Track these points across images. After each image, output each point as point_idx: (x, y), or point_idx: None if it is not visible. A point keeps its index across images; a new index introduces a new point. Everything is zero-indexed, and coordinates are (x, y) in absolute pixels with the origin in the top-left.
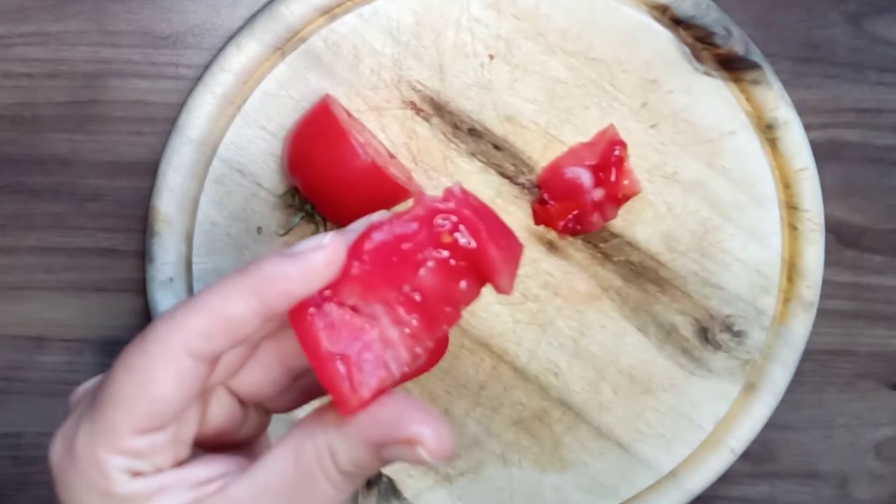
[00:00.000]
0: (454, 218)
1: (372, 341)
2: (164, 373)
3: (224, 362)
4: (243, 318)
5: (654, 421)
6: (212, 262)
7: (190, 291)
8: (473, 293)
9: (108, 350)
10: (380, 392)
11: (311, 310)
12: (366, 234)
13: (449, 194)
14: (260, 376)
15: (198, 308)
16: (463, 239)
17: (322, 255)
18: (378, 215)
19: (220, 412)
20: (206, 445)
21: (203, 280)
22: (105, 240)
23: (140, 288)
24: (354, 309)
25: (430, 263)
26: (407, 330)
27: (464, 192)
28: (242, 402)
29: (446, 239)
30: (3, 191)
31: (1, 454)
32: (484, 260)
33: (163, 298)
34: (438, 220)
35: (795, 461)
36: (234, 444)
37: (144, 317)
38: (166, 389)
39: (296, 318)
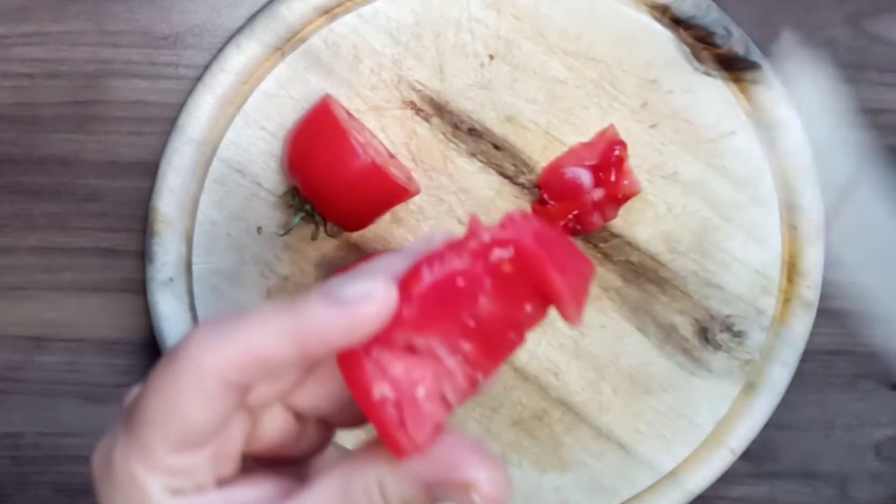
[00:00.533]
0: (513, 249)
1: (428, 377)
2: (194, 396)
3: (276, 384)
4: (280, 360)
5: (653, 421)
6: (212, 262)
7: (190, 291)
8: (539, 316)
9: (108, 350)
10: (436, 431)
11: (360, 354)
12: (418, 272)
13: (508, 221)
14: (318, 393)
15: (233, 338)
16: (525, 270)
17: (371, 306)
18: (433, 238)
19: (274, 428)
20: (262, 460)
21: (203, 280)
22: (105, 240)
23: (140, 288)
24: (408, 346)
25: (489, 292)
26: (466, 357)
27: (524, 217)
28: (301, 417)
29: (506, 269)
30: (3, 191)
31: (1, 454)
32: (549, 291)
33: (163, 298)
34: (496, 252)
35: (795, 461)
36: (293, 458)
37: (144, 317)
38: (197, 412)
39: (344, 362)
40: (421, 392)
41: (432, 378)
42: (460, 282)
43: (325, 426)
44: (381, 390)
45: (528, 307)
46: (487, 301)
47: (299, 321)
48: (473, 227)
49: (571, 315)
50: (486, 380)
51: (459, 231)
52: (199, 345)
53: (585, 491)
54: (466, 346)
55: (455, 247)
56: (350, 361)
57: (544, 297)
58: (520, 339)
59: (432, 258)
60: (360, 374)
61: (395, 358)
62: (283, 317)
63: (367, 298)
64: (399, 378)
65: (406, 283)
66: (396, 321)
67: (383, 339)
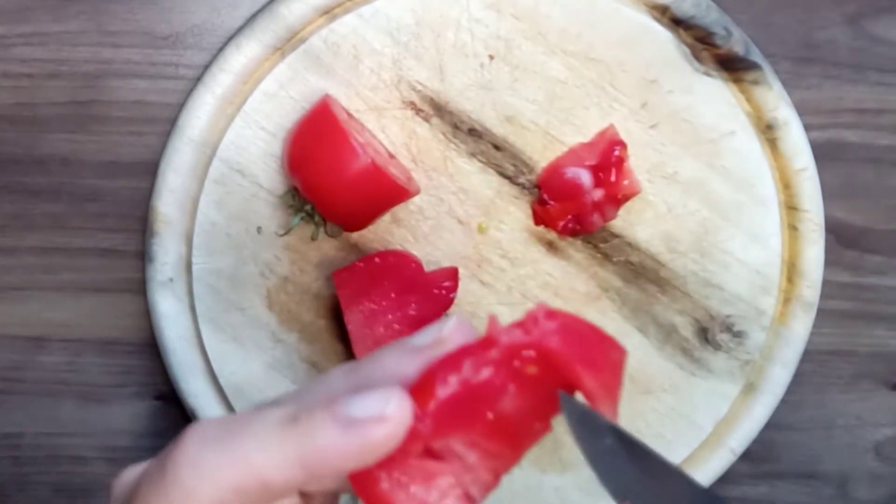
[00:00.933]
0: (537, 353)
1: (448, 480)
2: None
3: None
4: (285, 483)
5: (654, 421)
6: (212, 262)
7: (190, 291)
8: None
9: (108, 350)
10: None
11: (375, 473)
12: (432, 382)
13: (530, 321)
14: (328, 483)
15: (231, 460)
16: (551, 370)
17: (384, 428)
18: (448, 328)
19: None
20: None
21: (203, 280)
22: (105, 240)
23: (140, 288)
24: (427, 451)
25: (511, 393)
26: (488, 452)
27: (547, 314)
28: (308, 496)
29: (531, 371)
30: (3, 191)
31: (1, 454)
32: (580, 389)
33: (163, 298)
34: (520, 357)
35: (795, 461)
36: None
37: (144, 317)
38: None
39: (357, 481)
40: (444, 498)
41: (453, 480)
42: (477, 391)
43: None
44: (400, 502)
45: (554, 398)
46: (509, 400)
47: (306, 445)
48: (492, 331)
49: (607, 411)
50: (510, 468)
51: (459, 232)
52: (192, 466)
53: (585, 491)
54: (489, 443)
55: (471, 352)
56: (364, 480)
57: (572, 390)
58: (546, 427)
59: (446, 366)
60: (376, 494)
61: (412, 468)
62: (287, 437)
63: (381, 419)
64: (418, 488)
65: (420, 395)
66: (412, 434)
67: (398, 454)
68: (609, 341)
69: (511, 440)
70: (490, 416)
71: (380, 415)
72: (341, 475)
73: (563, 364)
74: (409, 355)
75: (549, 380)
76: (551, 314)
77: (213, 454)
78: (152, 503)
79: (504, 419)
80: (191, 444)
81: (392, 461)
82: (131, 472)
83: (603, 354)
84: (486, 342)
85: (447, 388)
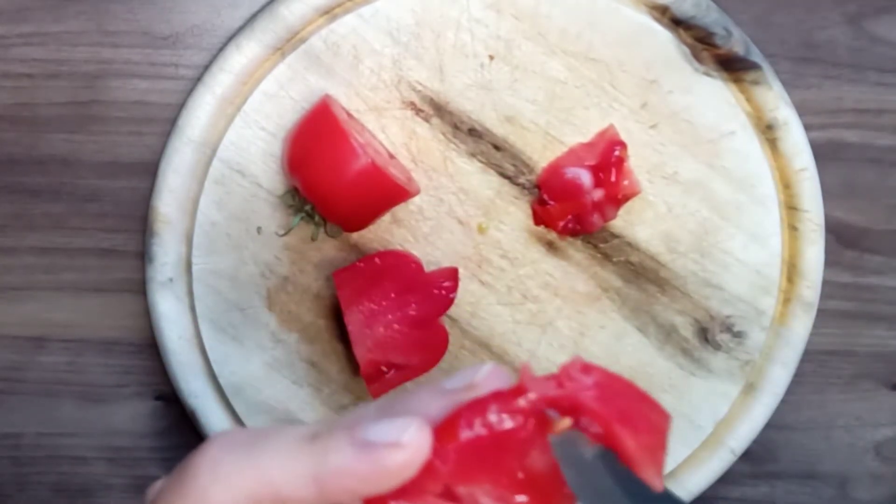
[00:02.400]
0: (571, 408)
1: None
2: None
3: None
4: (299, 499)
5: None
6: (212, 262)
7: (190, 292)
8: None
9: (108, 350)
10: None
11: (388, 501)
12: (456, 423)
13: (565, 376)
14: None
15: (250, 469)
16: (590, 429)
17: (401, 455)
18: (482, 373)
19: None
20: None
21: (203, 280)
22: (105, 240)
23: (140, 288)
24: (447, 493)
25: (541, 448)
26: None
27: (584, 368)
28: None
29: (564, 425)
30: (3, 191)
31: (1, 454)
32: (619, 450)
33: (163, 298)
34: (552, 412)
35: (795, 461)
36: None
37: (144, 317)
38: None
39: None
40: None
41: None
42: (504, 440)
43: None
44: None
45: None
46: (539, 458)
47: (321, 462)
48: (524, 381)
49: (650, 479)
50: None
51: (459, 232)
52: (212, 470)
53: None
54: (517, 499)
55: (501, 399)
56: None
57: (608, 443)
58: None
59: (473, 409)
60: None
61: None
62: (305, 453)
63: (397, 446)
64: None
65: (442, 434)
66: (430, 471)
67: (415, 486)
68: (650, 401)
69: (541, 499)
70: (517, 471)
71: (396, 441)
72: (355, 499)
73: (599, 422)
74: (439, 397)
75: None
76: (588, 368)
77: (233, 461)
78: (171, 502)
79: (533, 477)
80: (213, 450)
81: (408, 494)
82: (163, 481)
83: (643, 415)
84: (517, 391)
85: (471, 430)
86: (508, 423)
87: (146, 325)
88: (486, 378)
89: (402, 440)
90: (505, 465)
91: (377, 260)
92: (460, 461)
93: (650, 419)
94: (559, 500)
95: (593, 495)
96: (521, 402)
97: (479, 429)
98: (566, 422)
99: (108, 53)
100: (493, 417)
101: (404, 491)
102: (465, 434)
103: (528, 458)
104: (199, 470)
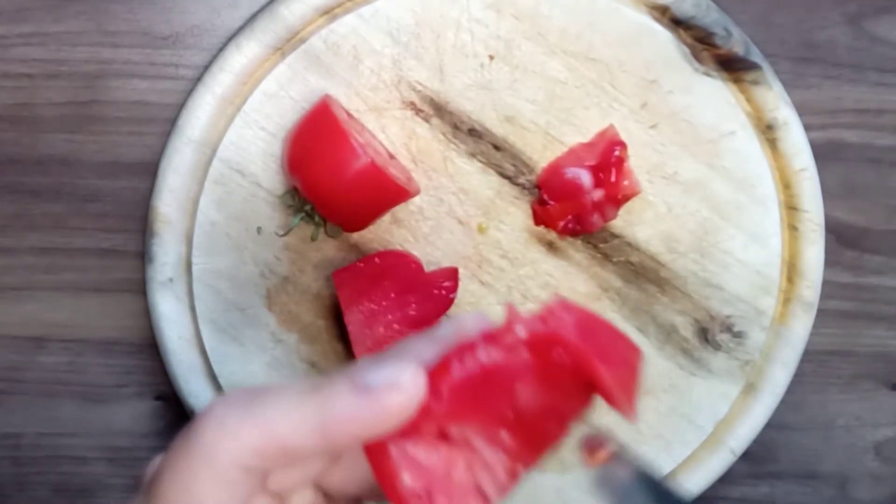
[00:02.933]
0: (554, 343)
1: (463, 470)
2: (210, 484)
3: (300, 470)
4: (303, 448)
5: (653, 422)
6: (212, 262)
7: (190, 292)
8: (583, 407)
9: (108, 350)
10: None
11: (388, 445)
12: (448, 364)
13: (547, 313)
14: (348, 476)
15: (254, 422)
16: (567, 364)
17: (398, 396)
18: (465, 322)
19: None
20: None
21: (203, 280)
22: (105, 240)
23: (140, 288)
24: (442, 435)
25: (527, 385)
26: (505, 449)
27: (565, 307)
28: (331, 496)
29: (547, 363)
30: (3, 191)
31: (1, 454)
32: (596, 386)
33: (163, 298)
34: (536, 347)
35: (795, 461)
36: None
37: (144, 317)
38: (213, 497)
39: (371, 453)
40: (456, 486)
41: (467, 468)
42: (494, 376)
43: (357, 501)
44: (410, 482)
45: (571, 399)
46: (526, 394)
47: (325, 410)
48: (510, 320)
49: (624, 409)
50: (528, 472)
51: (459, 232)
52: (217, 426)
53: (585, 491)
54: (505, 438)
55: (490, 339)
56: (378, 453)
57: (589, 388)
58: (563, 430)
59: (464, 350)
60: (388, 466)
61: (427, 448)
62: (308, 403)
63: (395, 388)
64: (430, 469)
65: (436, 374)
66: (426, 412)
67: (413, 429)
68: (625, 340)
69: (528, 438)
70: (506, 409)
71: (394, 383)
72: (357, 444)
73: (580, 358)
74: (432, 343)
75: (565, 377)
76: (569, 307)
77: (238, 416)
78: (176, 464)
79: (521, 414)
80: (218, 408)
81: (405, 436)
82: (161, 457)
83: (619, 351)
84: (504, 330)
85: (462, 369)
86: (497, 360)
87: (146, 325)
88: (474, 322)
89: (400, 381)
90: (494, 403)
91: (377, 260)
92: (453, 401)
93: (624, 355)
94: (546, 435)
95: None
96: (508, 338)
97: (470, 367)
98: (604, 452)
99: (108, 53)
100: (482, 355)
101: (403, 433)
102: (457, 372)
103: (516, 397)
104: (205, 428)
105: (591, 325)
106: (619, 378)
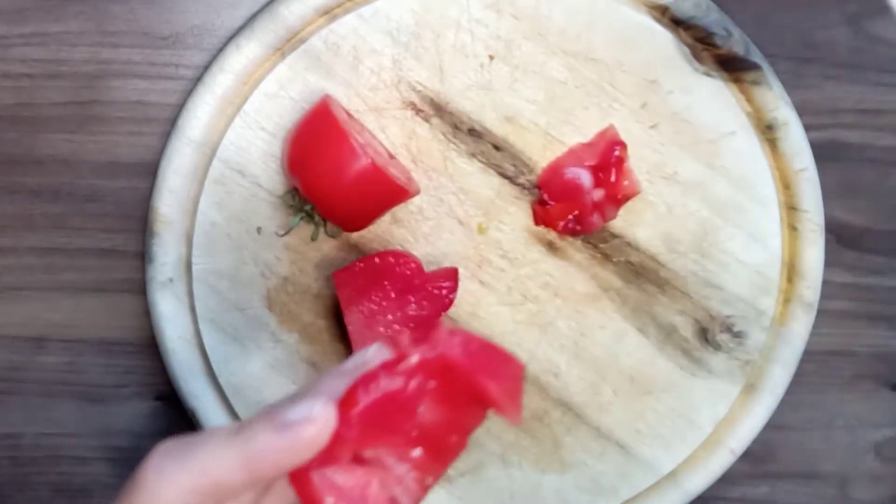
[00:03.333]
0: (444, 366)
1: (378, 487)
2: None
3: (238, 502)
4: (233, 484)
5: (653, 422)
6: (212, 262)
7: (190, 292)
8: (478, 419)
9: (108, 350)
10: None
11: (308, 471)
12: (354, 394)
13: (435, 339)
14: (281, 502)
15: (188, 466)
16: (458, 382)
17: (312, 427)
18: (370, 353)
19: None
20: None
21: (203, 280)
22: (105, 240)
23: (140, 288)
24: (357, 458)
25: (427, 405)
26: (414, 464)
27: (451, 332)
28: None
29: (440, 384)
30: (3, 191)
31: (1, 454)
32: (485, 399)
33: (163, 299)
34: (429, 370)
35: (795, 462)
36: None
37: (144, 317)
38: None
39: (295, 480)
40: (371, 500)
41: (381, 485)
42: (396, 400)
43: None
44: (334, 502)
45: (467, 414)
46: (426, 413)
47: (248, 447)
48: (402, 348)
49: (511, 416)
50: (436, 481)
51: (459, 232)
52: (156, 473)
53: (585, 491)
54: (414, 454)
55: (388, 367)
56: (301, 480)
57: (480, 401)
58: (463, 442)
59: (368, 380)
60: (311, 492)
61: (344, 472)
62: (233, 443)
63: (308, 421)
64: (349, 490)
65: (345, 405)
66: (340, 439)
67: (330, 456)
68: (507, 356)
69: (433, 453)
70: (412, 428)
71: (307, 416)
72: (281, 474)
73: (468, 376)
74: (339, 377)
75: (458, 395)
76: (454, 331)
77: (174, 462)
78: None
79: (425, 431)
80: (155, 457)
81: (324, 463)
82: None
83: (503, 367)
84: (398, 358)
85: (367, 397)
86: (396, 384)
87: (146, 325)
88: (374, 355)
89: (312, 414)
90: (400, 424)
91: (377, 260)
92: (363, 427)
93: (508, 369)
94: (449, 447)
95: None
96: (403, 365)
97: (374, 393)
98: None
99: (108, 53)
100: (383, 383)
101: (321, 460)
102: (363, 400)
103: (418, 415)
104: (145, 475)
105: (476, 346)
106: (504, 390)
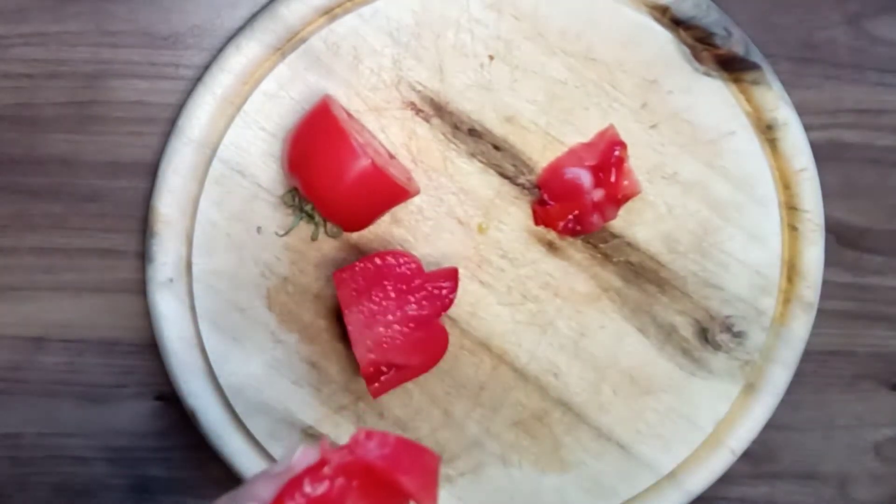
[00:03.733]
0: (362, 468)
1: None
2: None
3: None
4: None
5: (653, 422)
6: (212, 262)
7: (190, 292)
8: None
9: (108, 350)
10: None
11: None
12: (282, 501)
13: (353, 444)
14: None
15: None
16: (377, 480)
17: None
18: (296, 457)
19: None
20: None
21: (203, 280)
22: (105, 240)
23: (140, 288)
24: None
25: (353, 502)
26: None
27: (368, 435)
28: None
29: (361, 484)
30: (3, 191)
31: (1, 454)
32: (403, 492)
33: (162, 299)
34: (348, 473)
35: (795, 462)
36: None
37: (144, 317)
38: None
39: None
40: None
41: None
42: (323, 502)
43: None
44: None
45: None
46: None
47: None
48: (323, 454)
49: (428, 502)
50: None
51: (459, 232)
52: None
53: (585, 491)
54: None
55: (311, 472)
56: None
57: (400, 496)
58: None
59: (293, 486)
60: None
61: None
62: None
63: None
64: None
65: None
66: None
67: None
68: (422, 450)
69: None
70: None
71: None
72: None
73: (385, 474)
74: (269, 481)
75: (381, 489)
76: (370, 435)
77: None
78: None
79: None
80: None
81: None
82: None
83: (418, 462)
84: (321, 463)
85: (293, 501)
86: (320, 489)
87: (146, 325)
88: (300, 458)
89: None
90: None
91: (377, 260)
92: None
93: (424, 463)
94: None
95: None
96: (326, 470)
97: (300, 499)
98: None
99: (108, 53)
100: (307, 488)
101: None
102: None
103: None
104: None
105: (391, 446)
106: (419, 484)
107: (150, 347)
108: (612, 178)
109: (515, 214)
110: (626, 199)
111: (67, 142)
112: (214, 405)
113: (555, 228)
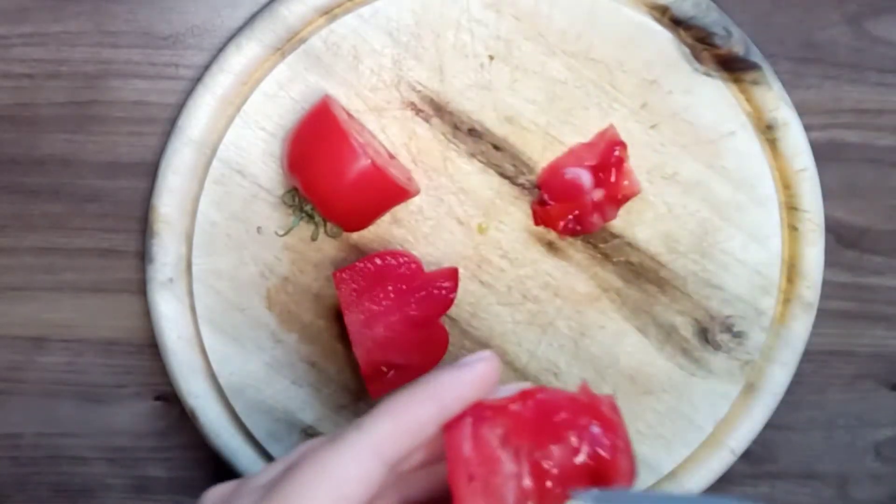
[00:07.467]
0: (599, 425)
1: (504, 475)
2: (354, 472)
3: (414, 458)
4: (426, 421)
5: (653, 421)
6: (211, 262)
7: (190, 292)
8: (582, 483)
9: (108, 350)
10: None
11: (466, 419)
12: (537, 389)
13: (583, 393)
14: (421, 485)
15: (385, 415)
16: (602, 444)
17: (486, 364)
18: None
19: None
20: None
21: (203, 280)
22: (105, 240)
23: (140, 288)
24: (502, 443)
25: (569, 445)
26: (535, 485)
27: (585, 391)
28: None
29: (593, 429)
30: (3, 191)
31: (1, 454)
32: (614, 469)
33: (162, 299)
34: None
35: (795, 462)
36: None
37: (144, 317)
38: (353, 488)
39: (449, 427)
40: (497, 483)
41: (507, 480)
42: (561, 413)
43: None
44: (470, 453)
45: (581, 481)
46: (560, 451)
47: (436, 386)
48: (584, 389)
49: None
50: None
51: (459, 232)
52: (355, 430)
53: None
54: (536, 476)
55: (569, 395)
56: (454, 423)
57: (597, 476)
58: (564, 497)
59: (549, 389)
60: (459, 432)
61: (488, 441)
62: (420, 389)
63: (482, 360)
64: (483, 457)
65: (526, 392)
66: (503, 409)
67: (487, 419)
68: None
69: (546, 486)
70: (548, 449)
71: (480, 356)
72: (462, 404)
73: (612, 443)
74: (457, 380)
75: (590, 458)
76: (589, 393)
77: (370, 419)
78: (323, 458)
79: (553, 461)
80: (352, 424)
81: (480, 420)
82: (220, 489)
83: (629, 448)
84: (580, 395)
85: (544, 394)
86: (571, 404)
87: (146, 325)
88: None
89: (483, 355)
90: (544, 439)
91: (377, 260)
92: (524, 413)
93: (630, 452)
94: (554, 496)
95: None
96: (582, 396)
97: (549, 394)
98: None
99: (108, 53)
100: (560, 394)
101: (479, 417)
102: (541, 394)
103: (555, 447)
104: (346, 432)
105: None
106: (630, 470)
107: (150, 347)
108: (612, 178)
109: (515, 214)
110: (626, 199)
111: (67, 142)
112: (214, 405)
113: (555, 228)
